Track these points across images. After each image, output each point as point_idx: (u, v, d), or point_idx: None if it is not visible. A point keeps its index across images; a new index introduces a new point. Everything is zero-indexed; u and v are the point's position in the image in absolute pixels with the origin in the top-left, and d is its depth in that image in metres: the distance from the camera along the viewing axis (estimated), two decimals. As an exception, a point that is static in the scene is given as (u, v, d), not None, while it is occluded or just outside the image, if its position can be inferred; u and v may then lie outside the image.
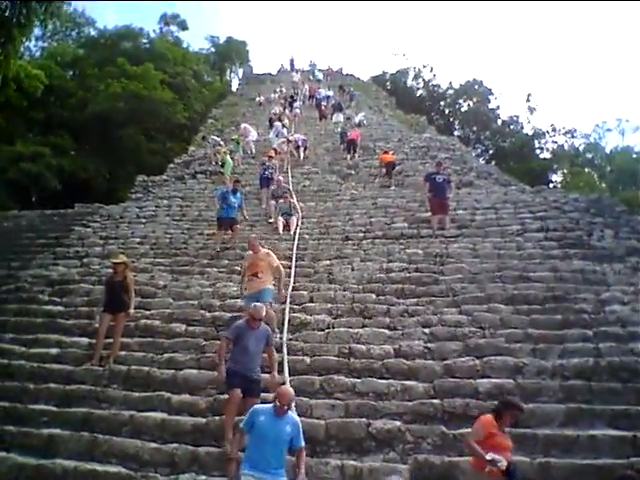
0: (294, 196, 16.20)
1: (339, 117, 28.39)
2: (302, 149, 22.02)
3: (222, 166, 19.64)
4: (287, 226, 14.49)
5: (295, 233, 13.97)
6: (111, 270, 10.07)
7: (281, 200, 15.15)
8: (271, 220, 15.21)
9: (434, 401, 7.67)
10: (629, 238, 12.85)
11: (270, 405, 5.91)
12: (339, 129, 24.85)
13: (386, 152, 20.25)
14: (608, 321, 9.48)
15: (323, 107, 30.83)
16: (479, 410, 7.39)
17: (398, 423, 7.21)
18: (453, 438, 7.00)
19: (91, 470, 6.60)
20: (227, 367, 7.34)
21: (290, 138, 22.11)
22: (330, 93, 35.76)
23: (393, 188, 18.45)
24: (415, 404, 7.65)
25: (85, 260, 13.64)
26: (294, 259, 12.48)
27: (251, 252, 10.13)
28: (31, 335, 10.11)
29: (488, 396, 7.73)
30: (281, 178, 16.73)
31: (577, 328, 9.32)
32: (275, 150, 20.16)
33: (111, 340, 9.34)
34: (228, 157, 19.87)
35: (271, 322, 9.10)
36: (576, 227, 13.54)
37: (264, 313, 7.63)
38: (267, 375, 7.76)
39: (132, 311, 9.70)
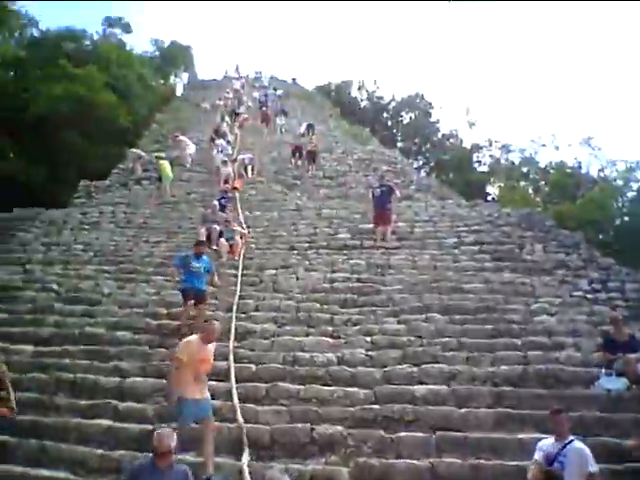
0: (243, 224, 15.43)
1: (282, 120, 29.85)
2: (249, 167, 21.50)
3: (159, 180, 19.08)
4: (231, 251, 13.68)
5: (240, 256, 13.36)
6: None
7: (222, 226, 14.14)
8: (214, 247, 13.72)
9: (374, 406, 8.04)
10: (557, 252, 13.67)
11: None
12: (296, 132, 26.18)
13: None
14: (536, 331, 10.14)
15: (265, 109, 30.80)
16: (415, 415, 7.87)
17: (340, 428, 7.52)
18: (391, 441, 7.37)
19: (39, 476, 6.69)
20: None
21: (237, 158, 21.48)
22: (280, 92, 38.29)
23: (310, 174, 21.25)
24: (356, 410, 7.98)
25: (27, 266, 13.52)
26: (240, 272, 12.54)
27: (199, 340, 7.16)
28: (-26, 342, 9.98)
29: (424, 401, 8.18)
30: (224, 215, 15.11)
31: (507, 337, 9.94)
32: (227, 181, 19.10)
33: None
34: (168, 170, 19.13)
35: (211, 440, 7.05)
36: (508, 241, 14.28)
37: (173, 444, 5.29)
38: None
39: (14, 406, 7.25)
